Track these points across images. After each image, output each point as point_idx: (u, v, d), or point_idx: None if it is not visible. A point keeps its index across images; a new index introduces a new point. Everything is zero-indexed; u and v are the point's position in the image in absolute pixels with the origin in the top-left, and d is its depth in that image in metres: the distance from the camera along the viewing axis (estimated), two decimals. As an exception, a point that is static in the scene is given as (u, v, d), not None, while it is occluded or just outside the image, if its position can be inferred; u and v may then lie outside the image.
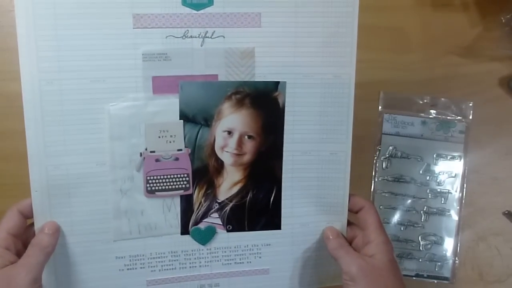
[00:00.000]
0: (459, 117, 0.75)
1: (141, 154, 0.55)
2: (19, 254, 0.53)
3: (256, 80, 0.56)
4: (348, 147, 0.59)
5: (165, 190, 0.56)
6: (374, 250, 0.56)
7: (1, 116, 0.66)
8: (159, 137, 0.55)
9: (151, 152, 0.55)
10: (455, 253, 0.74)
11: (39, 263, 0.52)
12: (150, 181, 0.56)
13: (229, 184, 0.58)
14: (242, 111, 0.56)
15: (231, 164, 0.57)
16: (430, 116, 0.74)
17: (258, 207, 0.59)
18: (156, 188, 0.56)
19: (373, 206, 0.60)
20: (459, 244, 0.75)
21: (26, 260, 0.51)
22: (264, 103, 0.57)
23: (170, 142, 0.55)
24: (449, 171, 0.75)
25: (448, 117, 0.74)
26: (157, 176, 0.56)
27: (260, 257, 0.60)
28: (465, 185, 0.75)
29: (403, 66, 0.74)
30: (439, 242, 0.74)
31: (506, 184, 0.76)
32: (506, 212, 0.75)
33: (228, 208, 0.58)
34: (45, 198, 0.54)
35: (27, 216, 0.55)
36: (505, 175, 0.75)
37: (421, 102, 0.74)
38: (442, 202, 0.74)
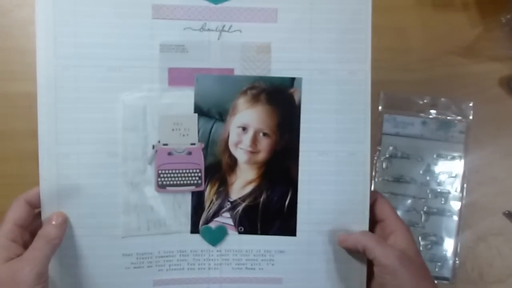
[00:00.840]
0: (459, 117, 0.75)
1: (153, 147, 0.55)
2: (26, 245, 0.52)
3: (272, 75, 0.56)
4: (367, 147, 0.58)
5: (176, 185, 0.56)
6: (401, 240, 0.55)
7: (1, 116, 0.66)
8: (173, 129, 0.55)
9: (164, 144, 0.55)
10: (455, 253, 0.74)
11: (45, 257, 0.51)
12: (161, 175, 0.55)
13: (242, 182, 0.57)
14: (257, 107, 0.56)
15: (245, 161, 0.57)
16: (430, 116, 0.75)
17: (272, 209, 0.58)
18: (168, 182, 0.55)
19: (384, 198, 0.59)
20: (459, 244, 0.74)
21: (31, 254, 0.51)
22: (280, 100, 0.57)
23: (183, 135, 0.55)
24: (449, 171, 0.75)
25: (448, 117, 0.75)
26: (169, 170, 0.55)
27: (272, 264, 0.58)
28: (465, 185, 0.74)
29: (403, 66, 0.74)
30: (439, 242, 0.73)
31: (506, 184, 0.75)
32: (506, 212, 0.75)
33: (240, 208, 0.57)
34: (53, 188, 0.54)
35: (35, 206, 0.54)
36: (505, 175, 0.75)
37: (421, 102, 0.75)
38: (442, 202, 0.74)
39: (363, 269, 0.58)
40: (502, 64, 0.76)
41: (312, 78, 0.57)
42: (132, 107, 0.54)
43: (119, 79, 0.54)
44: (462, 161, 0.75)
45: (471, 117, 0.75)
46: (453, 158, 0.75)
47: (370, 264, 0.56)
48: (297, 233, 0.58)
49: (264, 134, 0.57)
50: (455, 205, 0.74)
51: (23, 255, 0.51)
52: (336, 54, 0.57)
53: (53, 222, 0.53)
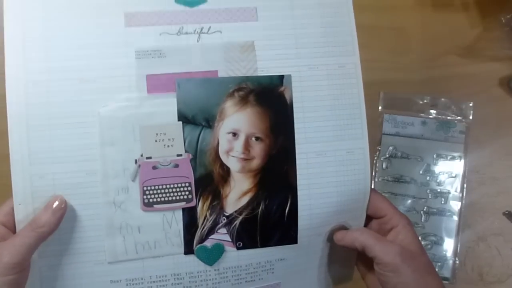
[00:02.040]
0: (459, 117, 0.76)
1: (136, 161, 0.51)
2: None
3: (259, 74, 0.54)
4: (365, 142, 0.56)
5: (164, 202, 0.52)
6: (402, 235, 0.54)
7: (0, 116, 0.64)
8: (156, 141, 0.52)
9: (147, 158, 0.51)
10: (455, 253, 0.75)
11: (26, 246, 0.47)
12: (147, 192, 0.51)
13: (237, 194, 0.54)
14: (247, 110, 0.53)
15: (238, 170, 0.53)
16: (430, 116, 0.76)
17: (272, 220, 0.54)
18: (154, 200, 0.52)
19: (380, 193, 0.57)
20: (459, 244, 0.75)
21: (12, 241, 0.47)
22: (270, 100, 0.54)
23: (168, 146, 0.52)
24: (449, 171, 0.76)
25: (448, 117, 0.76)
26: (155, 186, 0.52)
27: (272, 273, 0.56)
28: (465, 185, 0.75)
29: (403, 66, 0.76)
30: (439, 243, 0.74)
31: (506, 184, 0.77)
32: (506, 212, 0.76)
33: (237, 222, 0.53)
34: (29, 212, 0.50)
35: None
36: (505, 175, 0.77)
37: (421, 102, 0.76)
38: (442, 202, 0.75)
39: (352, 257, 0.59)
40: (502, 64, 0.77)
41: (302, 75, 0.55)
42: (109, 120, 0.51)
43: (94, 90, 0.51)
44: (462, 161, 0.76)
45: (471, 117, 0.76)
46: (453, 158, 0.76)
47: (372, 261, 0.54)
48: (298, 239, 0.55)
49: (257, 139, 0.53)
50: (455, 205, 0.75)
51: (6, 241, 0.47)
52: (323, 48, 0.56)
53: (47, 208, 0.49)
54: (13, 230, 0.50)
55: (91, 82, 0.51)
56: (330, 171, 0.55)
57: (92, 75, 0.51)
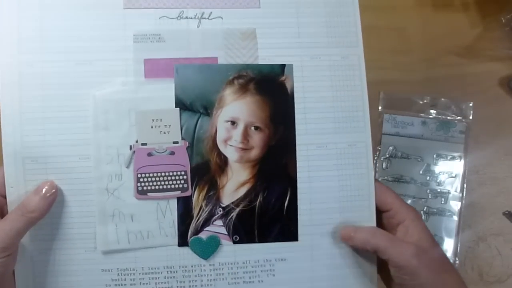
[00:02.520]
0: (459, 117, 0.76)
1: (131, 147, 0.50)
2: (3, 214, 0.49)
3: (260, 63, 0.53)
4: (368, 136, 0.54)
5: (159, 190, 0.51)
6: (412, 230, 0.52)
7: None
8: (152, 127, 0.50)
9: (142, 144, 0.50)
10: (455, 253, 0.74)
11: (15, 230, 0.46)
12: (141, 179, 0.50)
13: (234, 184, 0.52)
14: (246, 98, 0.52)
15: (236, 160, 0.52)
16: (430, 116, 0.75)
17: (270, 213, 0.53)
18: (149, 188, 0.50)
19: (385, 185, 0.55)
20: (459, 244, 0.74)
21: (1, 225, 0.46)
22: (271, 89, 0.53)
23: (164, 133, 0.51)
24: (449, 171, 0.75)
25: (448, 117, 0.75)
26: (149, 173, 0.50)
27: (273, 275, 0.53)
28: (465, 185, 0.75)
29: (403, 66, 0.75)
30: (439, 242, 0.73)
31: (506, 184, 0.76)
32: (506, 212, 0.75)
33: (234, 214, 0.52)
34: (21, 195, 0.49)
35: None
36: (505, 175, 0.76)
37: (421, 102, 0.75)
38: (442, 202, 0.74)
39: (373, 272, 0.55)
40: (502, 64, 0.77)
41: (303, 65, 0.54)
42: (104, 103, 0.50)
43: (89, 73, 0.50)
44: (462, 161, 0.75)
45: (471, 117, 0.76)
46: (453, 158, 0.75)
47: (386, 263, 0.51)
48: (299, 237, 0.53)
49: (256, 128, 0.52)
50: (455, 205, 0.74)
51: None
52: (327, 38, 0.55)
53: (40, 193, 0.48)
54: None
55: (87, 64, 0.51)
56: (331, 164, 0.54)
57: (89, 57, 0.51)
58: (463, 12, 0.77)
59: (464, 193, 0.75)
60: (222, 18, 0.53)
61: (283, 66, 0.53)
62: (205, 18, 0.53)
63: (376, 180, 0.55)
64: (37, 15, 0.51)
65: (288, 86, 0.53)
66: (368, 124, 0.55)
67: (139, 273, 0.51)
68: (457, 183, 0.75)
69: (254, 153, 0.52)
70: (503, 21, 0.76)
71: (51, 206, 0.49)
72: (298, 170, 0.53)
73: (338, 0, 0.55)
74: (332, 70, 0.54)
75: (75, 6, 0.51)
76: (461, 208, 0.74)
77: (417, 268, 0.49)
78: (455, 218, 0.74)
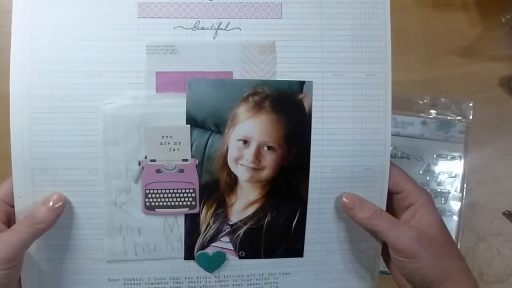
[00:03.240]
0: (459, 117, 0.77)
1: (139, 163, 0.50)
2: (10, 224, 0.50)
3: (277, 79, 0.51)
4: (387, 160, 0.53)
5: (167, 207, 0.51)
6: (421, 213, 0.51)
7: (1, 116, 0.64)
8: (161, 143, 0.50)
9: (151, 161, 0.50)
10: None
11: (21, 241, 0.47)
12: (149, 195, 0.51)
13: (243, 203, 0.52)
14: (261, 117, 0.51)
15: (246, 180, 0.52)
16: (430, 116, 0.77)
17: (278, 232, 0.53)
18: (157, 204, 0.51)
19: (396, 165, 0.54)
20: (459, 244, 0.76)
21: (7, 235, 0.47)
22: (287, 107, 0.51)
23: (174, 150, 0.50)
24: (449, 171, 0.76)
25: (448, 117, 0.77)
26: (157, 190, 0.51)
27: (276, 287, 0.55)
28: (465, 185, 0.76)
29: (403, 66, 0.76)
30: None
31: (506, 184, 0.78)
32: (506, 212, 0.77)
33: (241, 231, 0.53)
34: (29, 206, 0.50)
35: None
36: (505, 175, 0.78)
37: (421, 102, 0.76)
38: (442, 202, 0.76)
39: (374, 286, 0.57)
40: (502, 64, 0.78)
41: (324, 82, 0.51)
42: (114, 117, 0.49)
43: (100, 85, 0.49)
44: (462, 161, 0.76)
45: (471, 117, 0.77)
46: (453, 158, 0.76)
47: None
48: (305, 253, 0.54)
49: (269, 148, 0.51)
50: (455, 205, 0.76)
51: (1, 234, 0.47)
52: (352, 53, 0.52)
53: (45, 203, 0.49)
54: (4, 220, 0.50)
55: (97, 76, 0.49)
56: (344, 187, 0.53)
57: (99, 68, 0.50)
58: (463, 12, 0.78)
59: (464, 193, 0.76)
60: (240, 29, 0.50)
61: (302, 83, 0.51)
62: (222, 29, 0.50)
63: (392, 163, 0.54)
64: (50, 23, 0.49)
65: (306, 104, 0.51)
66: (389, 148, 0.53)
67: (145, 283, 0.53)
68: (457, 183, 0.76)
69: (266, 173, 0.52)
70: (503, 21, 0.77)
71: (59, 217, 0.50)
72: (309, 191, 0.52)
73: (368, 12, 0.52)
74: (356, 88, 0.52)
75: (88, 15, 0.49)
76: (461, 208, 0.76)
77: (416, 251, 0.49)
78: (455, 218, 0.76)
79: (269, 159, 0.51)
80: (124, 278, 0.53)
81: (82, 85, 0.49)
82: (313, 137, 0.52)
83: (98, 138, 0.50)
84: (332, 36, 0.51)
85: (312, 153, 0.52)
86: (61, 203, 0.49)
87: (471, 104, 0.76)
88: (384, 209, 0.54)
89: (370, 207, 0.52)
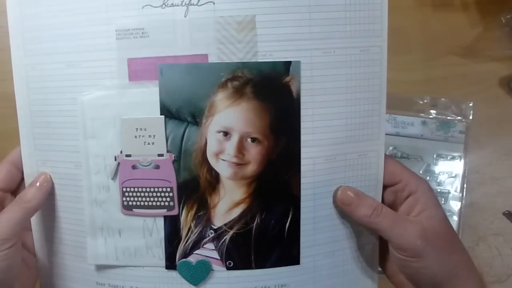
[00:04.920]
0: (459, 117, 0.78)
1: (115, 158, 0.48)
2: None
3: (259, 60, 0.46)
4: (381, 144, 0.49)
5: (144, 207, 0.49)
6: (422, 203, 0.49)
7: (1, 117, 0.68)
8: (136, 137, 0.48)
9: (126, 156, 0.48)
10: None
11: (13, 220, 0.48)
12: (126, 194, 0.49)
13: (227, 204, 0.48)
14: (242, 104, 0.46)
15: (229, 177, 0.47)
16: (430, 116, 0.78)
17: (269, 236, 0.48)
18: (134, 203, 0.49)
19: (391, 156, 0.54)
20: None
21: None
22: (272, 92, 0.46)
23: (148, 144, 0.48)
24: (449, 171, 0.77)
25: (448, 117, 0.78)
26: (134, 188, 0.48)
27: None
28: (465, 185, 0.78)
29: (403, 66, 0.78)
30: None
31: (506, 184, 0.79)
32: (506, 212, 0.78)
33: (227, 237, 0.48)
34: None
35: (21, 168, 0.54)
36: (505, 175, 0.79)
37: (421, 102, 0.78)
38: (442, 202, 0.77)
39: (374, 283, 0.53)
40: (502, 64, 0.79)
41: (313, 61, 0.46)
42: (91, 109, 0.48)
43: (78, 76, 0.49)
44: (462, 161, 0.78)
45: (471, 117, 0.78)
46: (453, 158, 0.77)
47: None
48: (301, 260, 0.49)
49: (253, 140, 0.47)
50: (455, 205, 0.77)
51: None
52: (344, 26, 0.46)
53: (33, 184, 0.50)
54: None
55: (76, 66, 0.49)
56: (338, 177, 0.48)
57: (77, 58, 0.49)
58: (463, 12, 0.79)
59: (464, 193, 0.77)
60: (214, 3, 0.46)
61: (288, 63, 0.46)
62: (193, 5, 0.46)
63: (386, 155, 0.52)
64: (35, 13, 0.49)
65: (293, 88, 0.46)
66: (383, 130, 0.49)
67: (128, 292, 0.52)
68: (457, 183, 0.77)
69: (251, 168, 0.47)
70: (503, 21, 0.78)
71: (46, 195, 0.50)
72: (302, 187, 0.47)
73: (361, -21, 0.46)
74: (349, 67, 0.46)
75: (65, 0, 0.48)
76: (461, 208, 0.77)
77: (422, 249, 0.47)
78: (455, 218, 0.76)
79: (253, 153, 0.47)
80: (109, 284, 0.51)
81: (64, 77, 0.49)
82: (302, 125, 0.46)
83: (79, 131, 0.49)
84: (322, 6, 0.46)
85: (302, 143, 0.47)
86: (47, 180, 0.50)
87: (471, 104, 0.78)
88: (380, 198, 0.51)
89: (369, 202, 0.49)
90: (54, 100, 0.50)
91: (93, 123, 0.49)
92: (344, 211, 0.49)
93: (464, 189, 0.76)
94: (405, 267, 0.49)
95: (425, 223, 0.48)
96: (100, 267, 0.51)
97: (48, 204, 0.52)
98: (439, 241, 0.48)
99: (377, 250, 0.53)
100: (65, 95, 0.49)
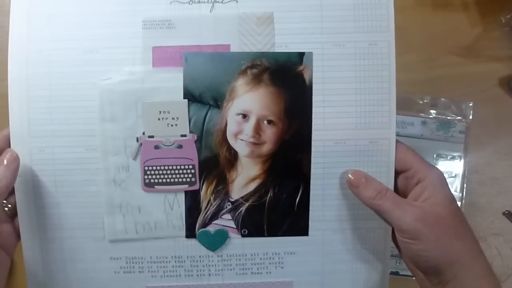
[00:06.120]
0: (459, 117, 0.78)
1: (137, 139, 0.53)
2: None
3: (276, 51, 0.52)
4: (392, 133, 0.54)
5: (166, 183, 0.54)
6: (429, 191, 0.52)
7: (1, 117, 0.67)
8: (159, 119, 0.53)
9: (149, 137, 0.53)
10: None
11: None
12: (148, 172, 0.53)
13: (244, 179, 0.54)
14: (259, 90, 0.53)
15: (246, 155, 0.54)
16: (430, 116, 0.78)
17: (281, 208, 0.55)
18: (156, 181, 0.54)
19: (403, 143, 0.56)
20: None
21: None
22: (287, 80, 0.53)
23: (172, 125, 0.53)
24: (449, 171, 0.77)
25: (448, 117, 0.78)
26: (156, 166, 0.53)
27: (282, 267, 0.56)
28: (465, 185, 0.78)
29: (403, 66, 0.77)
30: None
31: (506, 184, 0.79)
32: (506, 212, 0.78)
33: (243, 208, 0.55)
34: (29, 185, 0.53)
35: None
36: (505, 175, 0.79)
37: (421, 102, 0.78)
38: None
39: (385, 268, 0.57)
40: (502, 64, 0.80)
41: (325, 53, 0.53)
42: (110, 94, 0.52)
43: (96, 62, 0.52)
44: (462, 161, 0.78)
45: (471, 117, 0.78)
46: (453, 158, 0.78)
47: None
48: (310, 232, 0.56)
49: (269, 122, 0.53)
50: None
51: None
52: (353, 22, 0.53)
53: (3, 163, 0.50)
54: None
55: (94, 52, 0.52)
56: (348, 161, 0.54)
57: (96, 45, 0.52)
58: (463, 12, 0.79)
59: (464, 193, 0.78)
60: (237, 1, 0.52)
61: (301, 54, 0.53)
62: (218, 2, 0.52)
63: (398, 141, 0.56)
64: (47, 1, 0.52)
65: (306, 76, 0.53)
66: (394, 119, 0.54)
67: (148, 262, 0.56)
68: (457, 183, 0.77)
69: (266, 148, 0.54)
70: (503, 21, 0.79)
71: (16, 173, 0.51)
72: (312, 166, 0.54)
73: (369, -22, 0.54)
74: (358, 58, 0.53)
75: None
76: (461, 208, 0.75)
77: (420, 232, 0.49)
78: None
79: (269, 133, 0.53)
80: (126, 257, 0.56)
81: (79, 62, 0.53)
82: (314, 109, 0.53)
83: (95, 115, 0.52)
84: (333, 5, 0.53)
85: (313, 127, 0.54)
86: (14, 157, 0.50)
87: (471, 104, 0.78)
88: (392, 185, 0.55)
89: (375, 186, 0.53)
90: (64, 85, 0.52)
91: (112, 108, 0.52)
92: (351, 191, 0.54)
93: (464, 189, 0.77)
94: (406, 249, 0.52)
95: (428, 208, 0.51)
96: (114, 242, 0.54)
97: (53, 192, 0.53)
98: (440, 226, 0.50)
99: (390, 235, 0.57)
100: (78, 80, 0.52)
